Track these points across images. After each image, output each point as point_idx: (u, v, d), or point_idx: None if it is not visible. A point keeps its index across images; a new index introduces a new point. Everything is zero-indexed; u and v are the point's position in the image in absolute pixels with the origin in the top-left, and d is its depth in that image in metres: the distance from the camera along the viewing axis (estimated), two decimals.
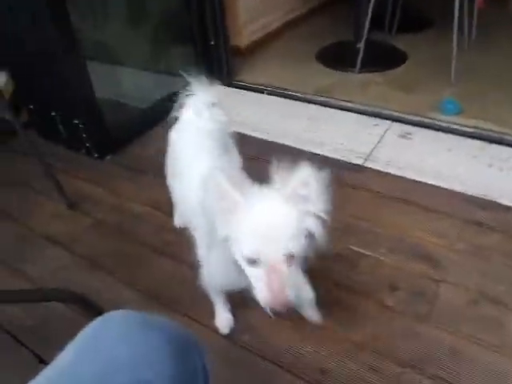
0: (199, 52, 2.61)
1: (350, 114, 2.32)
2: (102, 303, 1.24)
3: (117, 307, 0.64)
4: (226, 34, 2.61)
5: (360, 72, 2.70)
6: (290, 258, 0.81)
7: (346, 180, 1.84)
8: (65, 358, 0.56)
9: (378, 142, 2.07)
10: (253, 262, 0.81)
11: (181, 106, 1.37)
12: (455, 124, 2.12)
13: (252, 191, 0.83)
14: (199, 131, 1.27)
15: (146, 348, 0.56)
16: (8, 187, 2.00)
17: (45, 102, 2.11)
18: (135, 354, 0.55)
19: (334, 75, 2.75)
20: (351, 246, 1.54)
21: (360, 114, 2.30)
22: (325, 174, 0.82)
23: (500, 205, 1.68)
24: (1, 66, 2.15)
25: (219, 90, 1.32)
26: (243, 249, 0.82)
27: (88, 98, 1.98)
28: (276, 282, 0.79)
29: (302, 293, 1.20)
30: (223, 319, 1.31)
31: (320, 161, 1.91)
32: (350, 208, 1.69)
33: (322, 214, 0.83)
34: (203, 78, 1.29)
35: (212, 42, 2.57)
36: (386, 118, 2.23)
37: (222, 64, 2.62)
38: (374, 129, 2.18)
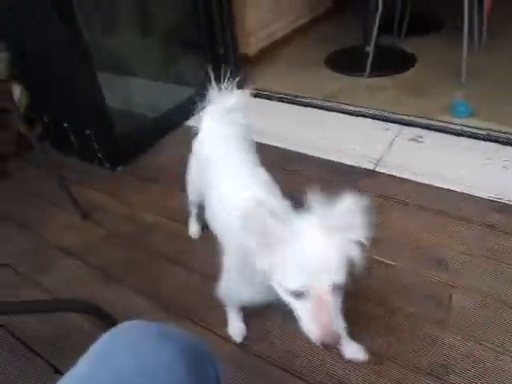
0: (209, 61, 2.64)
1: (359, 118, 2.31)
2: (116, 313, 1.25)
3: (130, 317, 0.65)
4: (235, 43, 2.63)
5: (369, 76, 2.70)
6: (335, 287, 0.79)
7: (357, 185, 1.83)
8: (78, 370, 0.57)
9: (389, 147, 2.06)
10: (299, 294, 0.79)
11: (201, 115, 1.38)
12: (467, 127, 2.10)
13: (296, 222, 0.80)
14: (226, 140, 1.26)
15: (157, 359, 0.57)
16: (23, 199, 2.04)
17: (58, 114, 2.15)
18: (145, 366, 0.56)
19: (343, 80, 2.74)
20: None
21: (370, 118, 2.29)
22: (366, 201, 0.80)
23: None
24: (17, 79, 2.19)
25: (238, 95, 1.31)
26: (289, 282, 0.79)
27: (99, 109, 2.01)
28: (324, 314, 0.77)
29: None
30: (236, 328, 1.31)
31: (331, 166, 1.95)
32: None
33: (364, 241, 0.81)
34: (219, 86, 1.30)
35: (221, 51, 2.59)
36: (397, 122, 2.22)
37: (232, 72, 2.63)
38: (384, 133, 2.17)
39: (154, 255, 1.64)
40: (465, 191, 1.75)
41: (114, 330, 0.61)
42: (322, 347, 0.79)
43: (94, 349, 0.59)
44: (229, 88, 1.32)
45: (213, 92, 1.31)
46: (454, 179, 1.81)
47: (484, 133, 2.04)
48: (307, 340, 1.25)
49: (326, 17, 3.71)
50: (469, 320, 1.29)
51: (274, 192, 1.10)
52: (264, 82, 2.75)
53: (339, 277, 0.78)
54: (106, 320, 1.17)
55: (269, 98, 2.59)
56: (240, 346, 1.29)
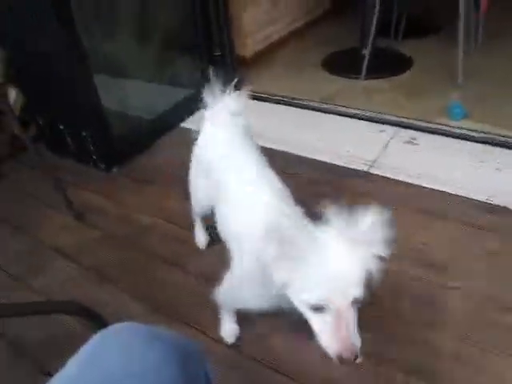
0: (205, 62, 2.64)
1: (355, 120, 2.32)
2: (109, 315, 1.25)
3: (123, 319, 0.65)
4: (231, 45, 2.64)
5: (366, 79, 2.70)
6: (354, 301, 0.78)
7: (352, 187, 1.83)
8: (67, 372, 0.57)
9: (384, 149, 2.07)
10: (318, 308, 0.78)
11: (199, 119, 1.35)
12: (462, 129, 2.10)
13: (319, 234, 0.79)
14: (231, 144, 1.24)
15: (146, 360, 0.56)
16: (18, 200, 2.04)
17: (53, 116, 2.15)
18: (134, 367, 0.56)
19: (339, 82, 2.75)
20: None
21: (366, 120, 2.29)
22: (388, 215, 0.79)
23: (508, 209, 1.66)
24: (12, 81, 2.19)
25: (237, 98, 1.29)
26: (309, 296, 0.78)
27: (96, 111, 2.01)
28: (343, 328, 0.77)
29: None
30: (229, 329, 1.31)
31: (327, 168, 1.95)
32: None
33: (384, 255, 0.80)
34: (216, 88, 1.28)
35: (218, 53, 2.60)
36: (392, 124, 2.22)
37: (228, 74, 2.64)
38: (380, 135, 2.18)
39: (149, 257, 1.64)
40: (458, 193, 1.75)
41: (104, 332, 0.61)
42: (338, 362, 0.77)
43: (84, 350, 0.59)
44: (226, 91, 1.29)
45: (211, 95, 1.28)
46: (447, 181, 1.82)
47: (478, 135, 2.05)
48: (301, 341, 1.27)
49: (323, 19, 3.72)
50: (461, 321, 1.29)
51: (287, 199, 1.08)
52: (261, 85, 2.75)
53: (359, 291, 0.78)
54: (98, 322, 1.16)
55: (265, 100, 2.59)
56: (233, 347, 1.29)
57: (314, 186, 1.77)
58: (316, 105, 2.47)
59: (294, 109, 2.50)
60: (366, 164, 1.97)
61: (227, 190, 1.15)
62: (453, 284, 1.40)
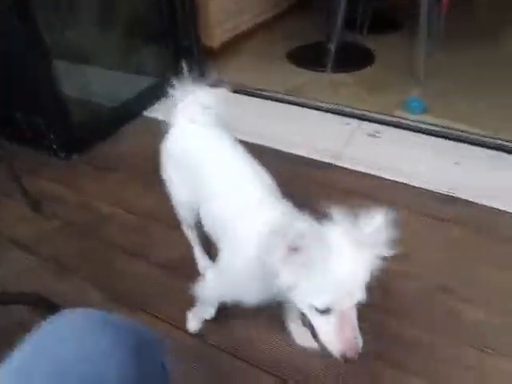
0: (171, 51, 2.60)
1: (320, 113, 2.35)
2: (68, 305, 1.21)
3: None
4: (198, 34, 2.60)
5: (331, 72, 2.74)
6: (357, 302, 0.79)
7: (315, 178, 1.86)
8: (16, 358, 0.55)
9: (348, 141, 2.10)
10: (324, 311, 0.79)
11: (170, 112, 1.27)
12: (422, 123, 2.17)
13: (328, 242, 0.77)
14: (210, 138, 1.19)
15: (98, 345, 0.56)
16: None
17: (8, 103, 2.06)
18: (86, 353, 0.55)
19: (305, 75, 2.77)
20: None
21: (330, 113, 2.32)
22: (392, 217, 0.79)
23: (465, 201, 1.73)
24: None
25: (210, 90, 1.25)
26: (317, 300, 0.78)
27: (55, 98, 1.94)
28: (348, 329, 0.78)
29: None
30: (198, 320, 1.29)
31: (290, 160, 1.96)
32: (315, 206, 1.70)
33: (388, 256, 0.80)
34: (188, 80, 1.23)
35: (184, 42, 2.56)
36: (356, 117, 2.26)
37: (195, 64, 2.61)
38: (343, 128, 2.21)
39: (109, 247, 1.61)
40: (419, 185, 1.81)
41: (54, 318, 0.60)
42: (342, 361, 0.79)
43: (34, 336, 0.57)
44: (195, 81, 1.25)
45: (181, 86, 1.23)
46: (409, 173, 1.87)
47: (437, 129, 2.12)
48: (267, 329, 1.28)
49: (290, 12, 3.73)
50: (411, 306, 1.34)
51: (276, 193, 1.06)
52: (227, 76, 2.73)
53: (363, 293, 0.78)
54: (56, 312, 1.13)
55: (231, 90, 2.57)
56: (197, 336, 1.29)
57: (277, 177, 1.78)
58: (281, 96, 2.48)
59: (259, 100, 2.50)
60: (329, 156, 2.00)
61: (212, 184, 1.11)
62: (413, 273, 1.44)
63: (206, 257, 1.48)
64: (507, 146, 1.99)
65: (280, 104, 2.44)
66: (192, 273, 1.46)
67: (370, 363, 1.19)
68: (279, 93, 2.51)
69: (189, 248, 1.50)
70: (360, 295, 0.78)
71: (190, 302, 1.38)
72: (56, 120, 1.98)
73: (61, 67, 1.94)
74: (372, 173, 1.88)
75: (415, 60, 2.56)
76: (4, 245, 1.63)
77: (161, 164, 1.31)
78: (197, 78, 1.26)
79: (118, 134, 2.25)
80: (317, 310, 0.79)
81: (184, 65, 2.61)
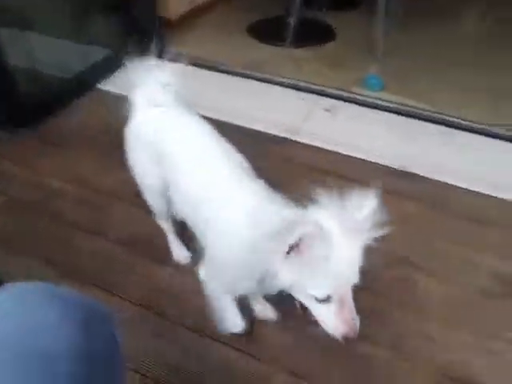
0: (127, 23, 2.49)
1: (279, 88, 2.33)
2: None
3: None
4: (155, 6, 2.51)
5: (291, 47, 2.72)
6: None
7: (274, 153, 1.85)
8: None
9: (306, 116, 2.11)
10: (325, 299, 0.81)
11: (131, 92, 1.21)
12: (379, 99, 2.20)
13: (328, 237, 0.76)
14: (177, 120, 1.15)
15: (45, 318, 0.55)
16: None
17: None
18: (32, 326, 0.53)
19: (264, 49, 2.74)
20: None
21: (290, 88, 2.32)
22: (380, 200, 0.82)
23: (418, 176, 1.78)
24: None
25: (169, 69, 1.20)
26: (318, 291, 0.80)
27: None
28: (347, 311, 0.81)
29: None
30: (235, 320, 1.18)
31: (247, 134, 1.95)
32: (275, 181, 1.71)
33: (379, 238, 0.82)
34: (145, 53, 1.18)
35: (140, 13, 2.45)
36: (315, 93, 2.27)
37: (151, 36, 2.51)
38: (302, 103, 2.21)
39: (63, 224, 1.56)
40: (374, 160, 1.85)
41: None
42: (343, 341, 0.82)
43: None
44: (151, 55, 1.20)
45: (137, 61, 1.16)
46: (364, 149, 1.90)
47: (393, 106, 2.16)
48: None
49: None
50: (374, 280, 1.37)
51: (247, 171, 1.04)
52: (185, 49, 2.66)
53: (358, 277, 0.81)
54: None
55: (190, 64, 2.51)
56: (149, 308, 1.28)
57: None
58: (241, 71, 2.44)
59: (218, 74, 2.46)
60: (288, 131, 2.00)
61: (181, 166, 1.09)
62: (372, 246, 1.47)
63: (182, 245, 1.45)
64: (459, 123, 2.06)
65: (239, 79, 2.41)
66: (152, 250, 1.46)
67: None
68: (239, 67, 2.47)
69: (149, 225, 1.45)
70: (356, 280, 0.81)
71: (147, 277, 1.37)
72: (0, 91, 1.86)
73: (5, 34, 1.82)
74: (329, 148, 1.90)
75: (374, 38, 2.58)
76: None
77: (125, 148, 1.24)
78: (154, 51, 1.22)
79: (71, 108, 2.15)
80: (316, 299, 0.81)
81: (140, 37, 2.51)
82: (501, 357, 1.21)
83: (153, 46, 1.25)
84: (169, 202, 1.21)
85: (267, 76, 2.39)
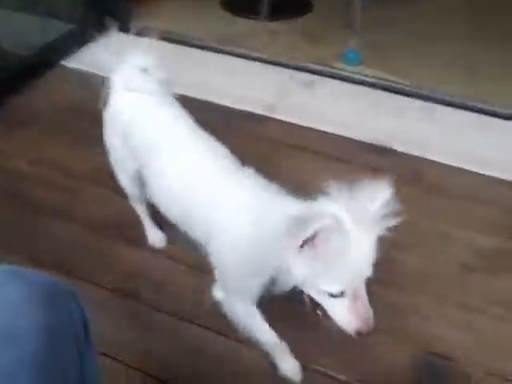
0: None
1: (254, 63, 2.26)
2: None
3: None
4: None
5: (265, 20, 2.63)
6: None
7: (249, 130, 1.80)
8: None
9: (283, 92, 2.05)
10: (338, 294, 0.78)
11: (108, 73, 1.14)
12: (357, 74, 2.16)
13: (345, 231, 0.73)
14: (155, 107, 1.10)
15: (8, 297, 0.55)
16: None
17: None
18: None
19: (238, 23, 2.65)
20: None
21: (264, 63, 2.25)
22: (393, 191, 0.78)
23: (396, 151, 1.76)
24: None
25: (152, 48, 1.15)
26: (332, 287, 0.78)
27: None
28: (361, 306, 0.79)
29: None
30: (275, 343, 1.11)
31: (223, 111, 1.88)
32: (253, 158, 1.65)
33: (390, 229, 0.80)
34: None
35: None
36: (291, 68, 2.21)
37: (116, 7, 2.38)
38: (279, 78, 2.15)
39: (28, 207, 1.49)
40: (351, 135, 1.81)
41: None
42: (357, 337, 0.80)
43: None
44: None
45: (113, 49, 1.12)
46: (341, 124, 1.86)
47: (371, 80, 2.12)
48: (192, 280, 1.24)
49: None
50: None
51: (232, 161, 1.01)
52: (155, 21, 2.53)
53: (371, 269, 0.78)
54: None
55: (160, 39, 2.40)
56: (122, 293, 1.25)
57: (209, 130, 1.72)
58: (214, 45, 2.35)
59: (190, 49, 2.36)
60: (264, 107, 1.94)
61: (160, 157, 1.05)
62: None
63: (157, 228, 1.40)
64: (437, 97, 2.03)
65: (212, 53, 2.32)
66: (126, 233, 1.42)
67: None
68: (211, 41, 2.37)
69: (123, 208, 1.39)
70: (369, 273, 0.79)
71: (121, 261, 1.32)
72: None
73: None
74: (306, 124, 1.86)
75: (352, 11, 2.51)
76: None
77: (103, 133, 1.20)
78: (119, 25, 1.15)
79: (33, 86, 2.02)
80: (330, 294, 0.79)
81: (104, 11, 2.38)
82: (482, 331, 1.21)
83: (118, 20, 1.17)
84: (143, 185, 1.17)
85: (242, 51, 2.31)
